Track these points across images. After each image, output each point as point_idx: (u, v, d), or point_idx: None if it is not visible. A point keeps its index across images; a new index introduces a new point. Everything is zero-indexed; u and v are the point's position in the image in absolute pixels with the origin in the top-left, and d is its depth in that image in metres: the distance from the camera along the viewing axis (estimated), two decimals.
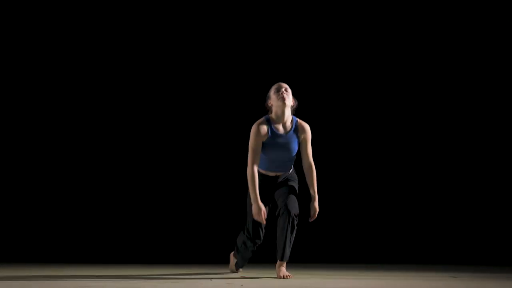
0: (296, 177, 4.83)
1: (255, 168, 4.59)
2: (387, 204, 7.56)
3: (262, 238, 4.81)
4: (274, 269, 4.77)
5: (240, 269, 5.13)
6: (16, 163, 7.37)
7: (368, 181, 7.60)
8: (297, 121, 4.67)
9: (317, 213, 4.70)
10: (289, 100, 4.59)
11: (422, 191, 7.57)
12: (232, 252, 5.08)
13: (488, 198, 7.46)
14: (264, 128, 4.59)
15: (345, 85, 7.70)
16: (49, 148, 7.40)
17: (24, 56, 7.43)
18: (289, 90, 4.62)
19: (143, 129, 7.52)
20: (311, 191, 4.70)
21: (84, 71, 7.51)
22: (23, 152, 7.39)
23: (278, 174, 4.73)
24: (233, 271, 5.13)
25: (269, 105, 4.66)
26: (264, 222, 4.58)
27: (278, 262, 4.61)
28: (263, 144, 4.60)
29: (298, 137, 4.66)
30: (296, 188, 4.77)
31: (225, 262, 6.76)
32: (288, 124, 4.65)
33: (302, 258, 6.40)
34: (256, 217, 4.56)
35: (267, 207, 4.72)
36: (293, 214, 4.56)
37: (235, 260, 5.03)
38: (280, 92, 4.57)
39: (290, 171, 4.78)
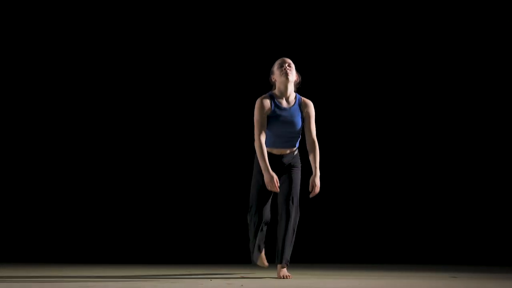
0: (300, 163, 4.76)
1: (263, 139, 4.58)
2: (387, 204, 7.56)
3: (268, 216, 4.69)
4: (274, 269, 4.77)
5: (260, 260, 4.84)
6: (16, 163, 7.37)
7: (368, 181, 7.60)
8: (300, 98, 4.72)
9: (317, 189, 4.63)
10: (292, 76, 4.64)
11: (422, 191, 7.57)
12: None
13: (488, 198, 7.46)
14: (267, 102, 4.62)
15: (345, 85, 7.70)
16: (49, 148, 7.40)
17: (24, 56, 7.43)
18: (293, 66, 4.67)
19: (143, 129, 7.52)
20: (313, 168, 4.66)
21: (84, 71, 7.51)
22: (23, 152, 7.39)
23: (283, 152, 4.67)
24: (256, 263, 4.89)
25: (273, 80, 4.71)
26: (278, 189, 4.54)
27: (279, 265, 4.61)
28: (267, 118, 4.60)
29: (301, 112, 4.67)
30: (299, 178, 4.71)
31: (225, 262, 6.77)
32: (292, 99, 4.68)
33: (302, 258, 6.40)
34: (269, 186, 4.53)
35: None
36: (293, 218, 4.58)
37: (252, 250, 4.83)
38: (283, 68, 4.62)
39: (295, 152, 4.73)
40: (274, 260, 4.77)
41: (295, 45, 7.32)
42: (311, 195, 4.67)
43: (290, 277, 4.57)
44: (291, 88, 4.66)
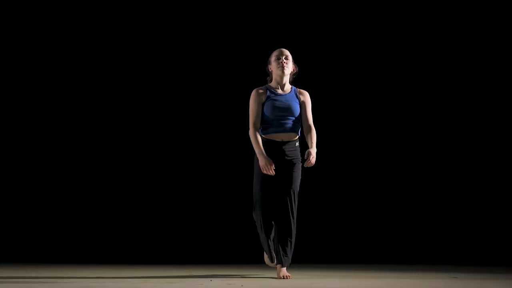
0: (300, 158, 4.75)
1: (256, 128, 4.66)
2: (387, 204, 7.55)
3: (270, 210, 4.64)
4: (274, 269, 4.77)
5: (274, 263, 4.76)
6: (16, 163, 7.37)
7: (368, 181, 7.60)
8: (296, 88, 4.81)
9: (313, 159, 4.60)
10: (288, 69, 4.74)
11: (422, 191, 7.57)
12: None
13: (488, 198, 7.45)
14: (263, 91, 4.74)
15: (344, 85, 7.69)
16: (49, 148, 7.40)
17: (24, 56, 7.42)
18: (290, 58, 4.75)
19: (143, 129, 7.52)
20: (309, 145, 4.67)
21: (84, 72, 7.50)
22: (23, 152, 7.39)
23: (283, 138, 4.67)
24: (270, 265, 4.84)
25: (270, 70, 4.80)
26: (273, 173, 4.54)
27: (279, 266, 4.62)
28: (264, 106, 4.67)
29: (298, 99, 4.75)
30: (299, 177, 4.72)
31: (225, 262, 6.77)
32: (287, 88, 4.78)
33: (302, 258, 6.40)
34: (264, 170, 4.55)
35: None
36: (293, 219, 4.60)
37: (267, 250, 4.77)
38: (280, 61, 4.71)
39: (296, 143, 4.72)
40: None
41: (292, 39, 7.31)
42: (305, 164, 4.64)
43: (290, 277, 4.57)
44: (286, 79, 4.77)
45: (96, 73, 7.52)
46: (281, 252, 4.60)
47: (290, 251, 4.63)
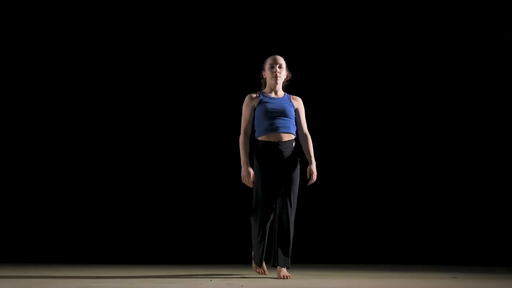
0: (299, 159, 4.76)
1: (246, 134, 4.73)
2: (387, 204, 7.56)
3: (270, 215, 4.69)
4: (274, 269, 4.77)
5: (261, 269, 4.85)
6: (16, 163, 7.37)
7: (368, 181, 7.60)
8: (289, 95, 4.87)
9: (315, 176, 4.74)
10: (281, 78, 4.81)
11: (422, 191, 7.57)
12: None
13: (488, 198, 7.46)
14: (255, 95, 4.80)
15: (344, 84, 7.70)
16: (49, 148, 7.41)
17: (24, 56, 7.43)
18: (284, 66, 4.82)
19: (144, 129, 7.52)
20: (308, 157, 4.79)
21: (84, 72, 7.51)
22: (23, 152, 7.39)
23: (279, 138, 4.69)
24: (256, 271, 4.92)
25: (263, 76, 4.87)
26: (251, 185, 4.65)
27: (279, 267, 4.62)
28: (258, 108, 4.72)
29: (292, 103, 4.80)
30: (298, 181, 4.72)
31: (225, 262, 6.77)
32: (280, 94, 4.84)
33: (302, 258, 6.40)
34: (243, 180, 4.67)
35: (271, 184, 4.66)
36: (291, 221, 4.61)
37: (256, 255, 4.82)
38: (274, 69, 4.77)
39: (293, 143, 4.74)
40: (269, 260, 4.79)
41: (288, 42, 7.34)
42: (309, 183, 4.76)
43: (290, 277, 4.57)
44: (280, 86, 4.84)
45: (96, 76, 7.52)
46: (280, 252, 4.60)
47: (288, 252, 4.63)
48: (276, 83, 4.78)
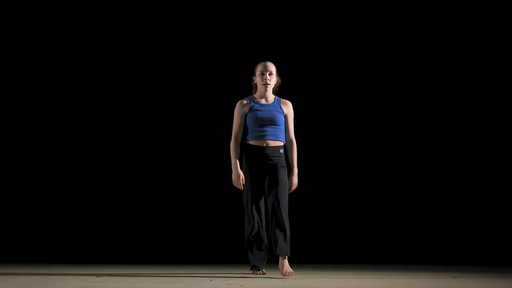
0: (286, 164, 4.84)
1: (237, 140, 4.83)
2: (387, 204, 7.56)
3: (261, 220, 4.80)
4: (274, 269, 4.77)
5: (259, 272, 4.87)
6: (16, 163, 7.37)
7: (368, 181, 7.61)
8: (279, 99, 4.93)
9: (294, 187, 4.86)
10: (271, 86, 4.87)
11: (422, 191, 7.58)
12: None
13: (488, 198, 7.46)
14: (246, 101, 4.88)
15: (343, 84, 7.70)
16: (49, 148, 7.41)
17: (24, 56, 7.43)
18: (274, 72, 4.88)
19: (143, 129, 7.53)
20: (290, 165, 4.88)
21: (84, 72, 7.52)
22: (23, 153, 7.39)
23: (267, 143, 4.77)
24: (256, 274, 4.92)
25: (254, 81, 4.94)
26: (242, 188, 4.77)
27: (280, 258, 4.64)
28: (248, 116, 4.81)
29: (281, 110, 4.86)
30: (286, 180, 4.79)
31: (225, 262, 6.77)
32: (271, 99, 4.90)
33: (302, 258, 6.40)
34: (234, 183, 4.79)
35: (262, 188, 4.76)
36: (285, 217, 4.65)
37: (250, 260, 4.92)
38: (264, 77, 4.83)
39: (281, 150, 4.81)
40: (274, 260, 4.78)
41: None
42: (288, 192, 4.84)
43: (293, 273, 4.60)
44: (270, 92, 4.90)
45: (96, 76, 7.53)
46: (281, 239, 4.64)
47: (285, 243, 4.64)
48: (266, 90, 4.86)
